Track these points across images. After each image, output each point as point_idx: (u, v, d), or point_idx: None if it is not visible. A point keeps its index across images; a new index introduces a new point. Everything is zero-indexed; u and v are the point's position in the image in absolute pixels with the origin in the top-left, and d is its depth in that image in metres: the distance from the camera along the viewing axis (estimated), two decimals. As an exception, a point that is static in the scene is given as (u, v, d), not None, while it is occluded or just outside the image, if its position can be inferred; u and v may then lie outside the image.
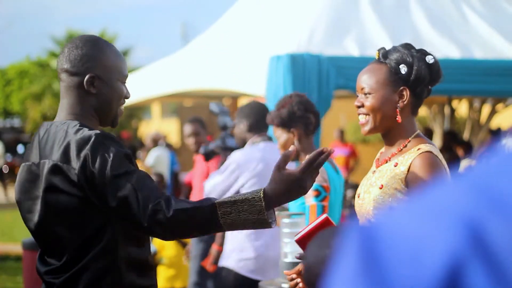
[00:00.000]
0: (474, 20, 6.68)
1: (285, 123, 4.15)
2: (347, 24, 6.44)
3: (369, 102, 2.89)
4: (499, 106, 10.46)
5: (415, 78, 2.90)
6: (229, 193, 5.15)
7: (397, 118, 2.89)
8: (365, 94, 2.91)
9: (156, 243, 7.50)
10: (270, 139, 5.24)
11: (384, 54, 2.94)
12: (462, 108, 12.06)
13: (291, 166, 2.99)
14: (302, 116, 4.14)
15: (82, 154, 2.42)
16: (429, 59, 2.94)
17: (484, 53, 6.23)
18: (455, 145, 9.48)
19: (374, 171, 2.98)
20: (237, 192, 5.10)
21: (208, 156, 6.37)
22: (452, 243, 0.83)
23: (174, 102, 23.13)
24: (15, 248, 11.13)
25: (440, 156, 2.88)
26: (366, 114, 2.90)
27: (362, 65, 3.06)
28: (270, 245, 4.98)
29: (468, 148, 9.48)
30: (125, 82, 2.73)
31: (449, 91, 7.16)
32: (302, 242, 2.81)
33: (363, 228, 0.91)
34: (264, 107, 5.43)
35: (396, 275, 0.85)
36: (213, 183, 5.17)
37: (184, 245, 7.13)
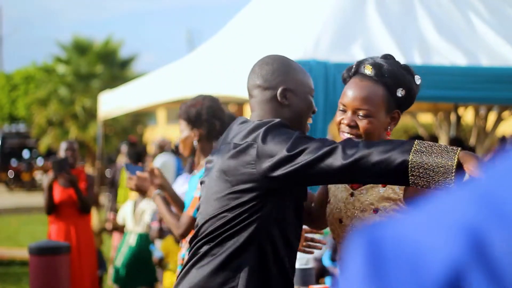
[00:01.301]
0: (480, 28, 6.68)
1: (190, 121, 4.28)
2: (353, 31, 6.44)
3: (365, 124, 2.76)
4: (506, 113, 10.44)
5: (409, 102, 2.84)
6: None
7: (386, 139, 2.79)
8: (360, 115, 2.76)
9: (163, 249, 7.49)
10: None
11: (378, 72, 2.79)
12: (468, 115, 12.04)
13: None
14: (207, 120, 4.26)
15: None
16: (417, 80, 2.85)
17: (490, 61, 6.22)
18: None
19: (352, 192, 2.85)
20: None
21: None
22: (454, 250, 0.85)
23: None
24: (21, 253, 11.14)
25: None
26: (357, 136, 2.76)
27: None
28: None
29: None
30: (312, 96, 2.90)
31: (455, 99, 7.16)
32: None
33: (369, 235, 0.93)
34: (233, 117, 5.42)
35: (400, 281, 0.87)
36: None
37: None
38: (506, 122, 11.00)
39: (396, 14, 6.71)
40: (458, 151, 2.45)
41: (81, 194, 7.41)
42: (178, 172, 11.92)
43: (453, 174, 2.42)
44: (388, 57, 2.86)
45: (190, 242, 2.90)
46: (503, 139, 10.40)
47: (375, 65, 2.80)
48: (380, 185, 2.75)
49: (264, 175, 2.62)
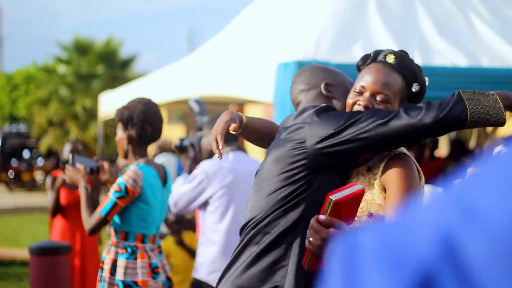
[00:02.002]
0: (481, 28, 6.68)
1: (123, 123, 4.39)
2: (354, 31, 6.44)
3: None
4: (506, 114, 10.44)
5: (418, 100, 2.92)
6: (195, 204, 5.15)
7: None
8: (378, 100, 2.81)
9: (163, 250, 7.49)
10: (240, 149, 5.24)
11: (400, 62, 2.87)
12: (468, 116, 12.04)
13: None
14: (137, 124, 4.35)
15: None
16: (427, 81, 2.96)
17: (491, 61, 6.22)
18: (462, 154, 9.47)
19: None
20: (206, 202, 5.13)
21: (181, 149, 6.25)
22: (426, 254, 0.87)
23: (180, 109, 23.14)
24: (21, 253, 11.14)
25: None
26: None
27: (370, 73, 3.03)
28: None
29: (473, 156, 9.48)
30: (351, 87, 3.00)
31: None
32: (338, 205, 2.51)
33: (347, 241, 0.98)
34: None
35: (375, 284, 0.90)
36: (181, 192, 5.15)
37: (192, 253, 7.10)
38: (507, 122, 11.00)
39: (397, 15, 6.72)
40: (495, 94, 2.80)
41: (92, 195, 7.27)
42: (179, 172, 11.93)
43: (504, 113, 2.85)
44: (405, 53, 2.94)
45: (241, 230, 2.99)
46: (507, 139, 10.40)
47: (398, 55, 2.88)
48: (374, 191, 2.76)
49: (315, 151, 2.75)
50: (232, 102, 11.38)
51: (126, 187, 4.17)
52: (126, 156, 4.42)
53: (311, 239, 2.39)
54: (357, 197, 2.52)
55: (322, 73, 3.11)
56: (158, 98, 9.12)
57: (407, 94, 2.88)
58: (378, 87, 2.81)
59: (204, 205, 5.17)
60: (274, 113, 5.51)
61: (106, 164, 4.42)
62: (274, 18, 7.57)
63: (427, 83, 2.95)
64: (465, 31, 6.67)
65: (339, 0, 6.85)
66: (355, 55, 6.03)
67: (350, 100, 2.87)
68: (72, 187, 7.28)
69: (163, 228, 7.90)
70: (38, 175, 28.52)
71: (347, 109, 2.88)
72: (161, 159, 11.45)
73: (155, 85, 9.28)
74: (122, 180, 4.20)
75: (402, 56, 2.89)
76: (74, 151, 7.47)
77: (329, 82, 3.07)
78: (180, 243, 7.32)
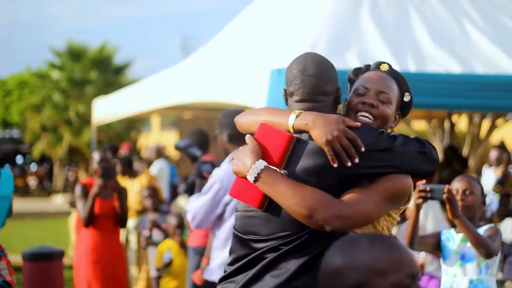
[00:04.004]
0: (475, 36, 6.69)
1: None
2: (348, 38, 6.45)
3: (384, 109, 2.89)
4: (499, 121, 10.46)
5: (407, 111, 3.02)
6: (214, 215, 5.09)
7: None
8: (380, 99, 2.90)
9: (160, 251, 7.47)
10: None
11: (393, 71, 2.99)
12: (461, 122, 12.06)
13: None
14: None
15: None
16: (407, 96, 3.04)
17: (485, 68, 6.23)
18: (455, 161, 9.46)
19: None
20: (224, 211, 5.07)
21: (191, 190, 6.35)
22: None
23: (174, 115, 23.14)
24: (14, 259, 11.09)
25: None
26: (374, 117, 2.89)
27: (363, 79, 3.05)
28: None
29: (465, 164, 9.47)
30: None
31: (450, 106, 7.16)
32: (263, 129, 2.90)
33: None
34: None
35: None
36: (198, 205, 5.08)
37: None
38: (500, 129, 11.02)
39: (391, 22, 6.72)
40: None
41: (125, 206, 6.87)
42: (172, 179, 11.93)
43: None
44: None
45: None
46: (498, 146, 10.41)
47: (390, 67, 3.01)
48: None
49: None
50: (226, 108, 11.38)
51: None
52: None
53: None
54: (282, 137, 2.78)
55: (336, 73, 3.03)
56: (151, 104, 9.12)
57: (401, 102, 2.98)
58: (380, 87, 2.91)
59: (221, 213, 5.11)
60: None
61: None
62: (268, 25, 7.57)
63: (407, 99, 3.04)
64: (458, 38, 6.68)
65: (333, 7, 6.85)
66: (349, 62, 6.04)
67: (355, 100, 2.92)
68: (106, 196, 6.82)
69: (154, 234, 7.88)
70: (31, 181, 28.45)
71: (351, 110, 2.92)
72: (157, 164, 11.46)
73: (149, 91, 9.28)
74: None
75: (394, 69, 3.01)
76: (104, 160, 6.95)
77: (339, 87, 3.01)
78: (183, 245, 7.33)
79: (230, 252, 3.02)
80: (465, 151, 10.57)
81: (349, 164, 2.69)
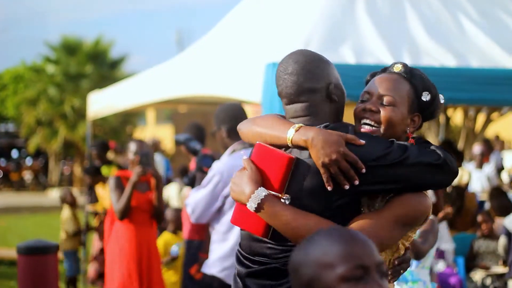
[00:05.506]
0: (470, 29, 6.69)
1: None
2: (343, 32, 6.44)
3: (388, 112, 2.73)
4: (494, 115, 10.47)
5: (432, 111, 2.87)
6: (215, 206, 5.10)
7: (407, 142, 2.74)
8: (383, 103, 2.75)
9: (160, 245, 7.49)
10: (252, 145, 5.22)
11: (408, 71, 2.83)
12: (457, 116, 12.07)
13: None
14: None
15: None
16: (442, 98, 2.92)
17: (480, 62, 6.23)
18: (451, 154, 9.48)
19: None
20: (223, 203, 5.07)
21: (192, 183, 6.36)
22: None
23: (169, 109, 23.12)
24: (9, 253, 11.10)
25: None
26: (376, 124, 2.74)
27: (358, 73, 3.03)
28: None
29: (460, 158, 9.48)
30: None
31: (445, 100, 7.15)
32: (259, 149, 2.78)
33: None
34: (240, 110, 5.39)
35: None
36: (197, 198, 5.09)
37: None
38: (495, 123, 11.04)
39: (386, 16, 6.72)
40: None
41: (161, 198, 6.73)
42: (166, 173, 11.93)
43: None
44: (424, 75, 2.90)
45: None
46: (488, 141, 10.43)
47: (405, 65, 2.84)
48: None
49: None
50: (221, 102, 11.37)
51: None
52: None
53: None
54: (281, 160, 2.64)
55: (329, 68, 2.89)
56: (147, 98, 9.11)
57: (418, 103, 2.82)
58: (382, 91, 2.76)
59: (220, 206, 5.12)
60: (263, 113, 5.50)
61: None
62: (263, 18, 7.56)
63: (442, 101, 2.91)
64: (454, 32, 6.68)
65: (328, 1, 6.85)
66: (345, 56, 6.04)
67: (358, 108, 2.80)
68: (142, 189, 6.68)
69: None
70: (27, 175, 28.46)
71: (355, 118, 2.80)
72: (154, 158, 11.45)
73: (144, 85, 9.26)
74: None
75: (410, 67, 2.85)
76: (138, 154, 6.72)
77: (335, 83, 2.87)
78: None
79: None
80: (460, 145, 10.59)
81: (347, 187, 2.55)
